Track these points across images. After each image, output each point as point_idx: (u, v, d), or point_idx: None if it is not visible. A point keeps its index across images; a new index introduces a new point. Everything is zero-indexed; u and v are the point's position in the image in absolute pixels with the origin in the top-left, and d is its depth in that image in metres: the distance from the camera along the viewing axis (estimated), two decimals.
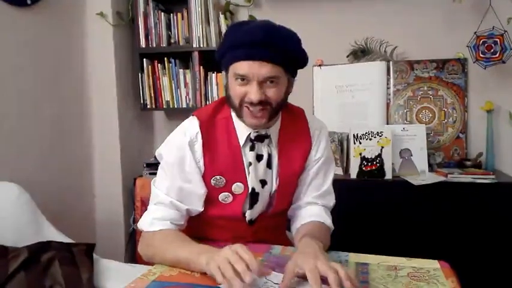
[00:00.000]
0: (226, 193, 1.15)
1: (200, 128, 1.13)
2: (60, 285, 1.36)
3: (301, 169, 1.22)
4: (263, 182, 1.16)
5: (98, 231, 2.42)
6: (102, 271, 1.50)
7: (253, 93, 1.04)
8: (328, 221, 1.20)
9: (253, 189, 1.15)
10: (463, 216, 1.88)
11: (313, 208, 1.22)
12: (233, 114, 1.16)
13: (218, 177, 1.14)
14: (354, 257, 1.06)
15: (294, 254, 0.95)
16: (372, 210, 1.94)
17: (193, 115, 1.18)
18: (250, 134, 1.14)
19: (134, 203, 2.39)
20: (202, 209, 1.15)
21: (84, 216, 2.33)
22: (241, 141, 1.15)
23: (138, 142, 2.50)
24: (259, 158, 1.16)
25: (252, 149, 1.15)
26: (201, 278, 0.94)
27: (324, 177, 1.25)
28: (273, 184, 1.19)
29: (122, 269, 1.55)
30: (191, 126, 1.15)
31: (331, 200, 1.26)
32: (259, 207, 1.18)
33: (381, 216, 1.93)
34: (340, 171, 2.09)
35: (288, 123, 1.20)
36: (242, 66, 1.03)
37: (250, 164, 1.15)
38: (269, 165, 1.18)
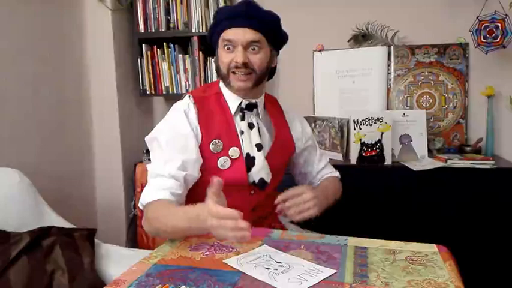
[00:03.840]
0: (225, 157, 1.22)
1: (193, 100, 1.25)
2: (62, 270, 1.37)
3: (290, 136, 1.37)
4: (259, 146, 1.25)
5: (99, 217, 2.43)
6: (103, 256, 1.51)
7: (238, 55, 1.18)
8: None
9: (248, 154, 1.23)
10: (462, 202, 1.89)
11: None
12: (222, 88, 1.28)
13: (216, 141, 1.21)
14: (353, 241, 1.07)
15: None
16: (372, 196, 1.95)
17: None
18: (241, 103, 1.25)
19: (135, 189, 2.40)
20: (200, 175, 1.20)
21: (85, 202, 2.34)
22: (233, 110, 1.25)
23: (138, 128, 2.49)
24: (250, 126, 1.26)
25: (242, 119, 1.25)
26: (201, 261, 0.96)
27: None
28: (267, 147, 1.29)
29: (123, 253, 1.56)
30: (183, 101, 1.26)
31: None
32: (258, 169, 1.24)
33: (380, 201, 1.94)
34: (340, 157, 2.09)
35: (268, 100, 1.37)
36: (228, 33, 1.20)
37: (242, 132, 1.24)
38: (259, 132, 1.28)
